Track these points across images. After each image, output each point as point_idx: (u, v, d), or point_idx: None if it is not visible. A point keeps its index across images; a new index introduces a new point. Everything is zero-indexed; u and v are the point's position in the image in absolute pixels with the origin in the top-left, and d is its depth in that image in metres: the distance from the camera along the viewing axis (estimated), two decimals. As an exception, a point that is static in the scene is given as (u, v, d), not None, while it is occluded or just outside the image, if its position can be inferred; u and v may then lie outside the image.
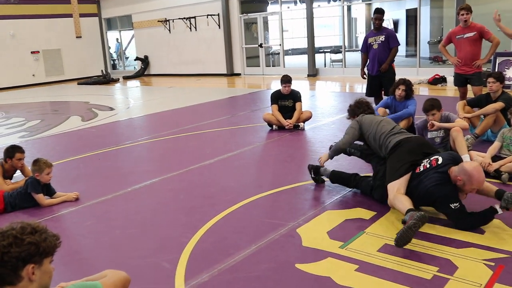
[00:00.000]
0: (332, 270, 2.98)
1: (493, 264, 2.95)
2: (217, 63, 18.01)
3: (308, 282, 2.87)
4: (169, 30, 19.24)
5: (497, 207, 3.39)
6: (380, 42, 7.31)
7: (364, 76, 7.74)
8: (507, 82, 7.10)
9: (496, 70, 9.60)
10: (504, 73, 9.27)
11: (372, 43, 7.40)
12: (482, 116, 5.89)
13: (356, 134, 4.40)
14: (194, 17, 18.15)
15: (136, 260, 3.28)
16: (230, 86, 15.05)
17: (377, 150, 4.18)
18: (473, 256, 3.06)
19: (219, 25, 17.57)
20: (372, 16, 7.47)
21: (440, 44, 7.28)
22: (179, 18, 18.58)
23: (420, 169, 3.68)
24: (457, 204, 3.43)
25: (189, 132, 7.59)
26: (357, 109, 4.74)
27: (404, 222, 3.32)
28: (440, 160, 3.62)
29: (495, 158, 4.66)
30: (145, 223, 3.99)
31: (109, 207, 4.42)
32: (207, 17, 17.66)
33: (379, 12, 7.34)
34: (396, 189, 3.64)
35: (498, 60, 10.05)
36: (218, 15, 17.45)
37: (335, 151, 4.55)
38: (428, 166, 3.64)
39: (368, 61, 7.59)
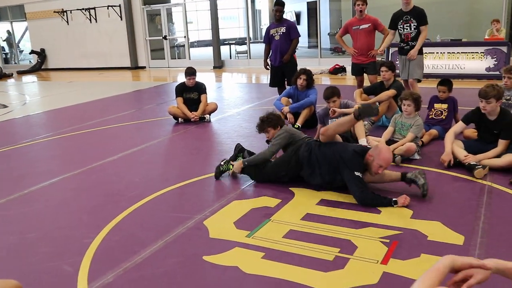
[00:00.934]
0: (239, 259, 3.02)
1: (388, 241, 3.15)
2: (120, 56, 17.42)
3: (216, 273, 2.88)
4: (67, 22, 18.26)
5: (398, 200, 3.70)
6: (281, 33, 7.47)
7: (267, 67, 7.88)
8: (398, 71, 7.61)
9: (389, 59, 10.24)
10: (396, 62, 9.89)
11: (274, 35, 7.54)
12: (377, 103, 6.25)
13: (283, 144, 4.42)
14: (94, 8, 17.38)
15: (35, 266, 3.10)
16: (135, 80, 14.64)
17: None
18: (370, 235, 3.25)
19: (121, 17, 16.98)
20: (273, 8, 7.61)
21: (337, 34, 7.59)
22: (78, 9, 17.70)
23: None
24: (360, 174, 3.76)
25: (92, 128, 7.28)
26: (278, 119, 4.64)
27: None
28: None
29: (389, 142, 4.98)
30: (44, 226, 3.77)
31: (3, 212, 4.12)
32: (108, 8, 16.99)
33: (280, 4, 7.50)
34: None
35: (391, 50, 10.72)
36: (120, 6, 16.85)
37: (256, 160, 4.42)
38: None
39: (270, 52, 7.74)
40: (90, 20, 17.65)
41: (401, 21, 6.60)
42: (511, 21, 14.09)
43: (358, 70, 7.44)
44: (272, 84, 7.83)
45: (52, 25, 18.59)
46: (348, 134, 5.13)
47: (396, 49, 8.65)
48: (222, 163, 4.60)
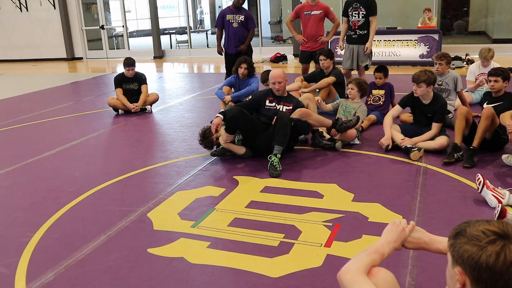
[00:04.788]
0: (184, 250, 3.00)
1: (331, 224, 3.23)
2: (55, 46, 16.67)
3: (161, 265, 2.84)
4: (-5, 11, 17.25)
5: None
6: (240, 21, 7.33)
7: (222, 52, 7.69)
8: (337, 59, 7.73)
9: (329, 47, 10.40)
10: (336, 50, 10.09)
11: (231, 21, 7.35)
12: (317, 90, 6.36)
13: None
14: (24, -4, 16.51)
15: (-34, 268, 2.93)
16: (72, 71, 14.10)
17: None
18: (313, 220, 3.32)
19: (54, 5, 16.23)
20: None
21: (287, 19, 7.38)
22: (6, -3, 16.74)
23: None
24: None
25: (26, 123, 6.94)
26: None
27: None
28: None
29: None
30: (-24, 226, 3.57)
31: None
32: (39, -3, 16.20)
33: None
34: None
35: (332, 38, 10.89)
36: (52, -6, 16.10)
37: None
38: None
39: (223, 37, 7.58)
40: (21, 8, 16.76)
41: (351, 8, 6.55)
42: (441, 10, 14.73)
43: (306, 57, 7.36)
44: (230, 72, 7.55)
45: (-22, 14, 17.52)
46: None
47: (336, 37, 8.76)
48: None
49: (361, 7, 6.47)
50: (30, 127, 6.73)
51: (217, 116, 4.52)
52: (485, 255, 1.21)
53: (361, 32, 6.55)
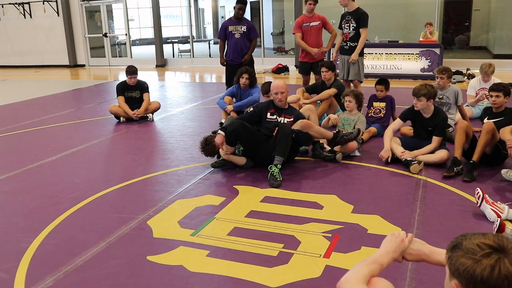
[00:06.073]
0: (184, 258, 3.00)
1: (330, 235, 3.24)
2: (57, 53, 16.76)
3: (160, 272, 2.85)
4: (-1, 17, 17.36)
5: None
6: (242, 32, 7.39)
7: (225, 63, 7.73)
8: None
9: (329, 59, 10.45)
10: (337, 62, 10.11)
11: (233, 32, 7.42)
12: (318, 102, 6.39)
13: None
14: (28, 3, 16.62)
15: (-35, 273, 2.94)
16: (74, 78, 14.15)
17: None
18: (313, 230, 3.32)
19: (57, 13, 16.34)
20: (235, 6, 7.47)
21: (296, 37, 7.34)
22: (10, 3, 16.85)
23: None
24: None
25: (28, 128, 6.97)
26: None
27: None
28: None
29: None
30: (-24, 231, 3.58)
31: None
32: (44, 3, 16.30)
33: (242, 2, 7.37)
34: None
35: (332, 50, 10.95)
36: (56, 1, 16.22)
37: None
38: None
39: (226, 48, 7.63)
40: (24, 15, 16.88)
41: (344, 20, 6.80)
42: (443, 24, 14.84)
43: (306, 69, 7.45)
44: (230, 82, 7.59)
45: (-18, 19, 17.62)
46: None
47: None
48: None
49: (352, 19, 6.73)
50: (31, 133, 6.76)
51: (219, 133, 4.53)
52: (480, 268, 1.22)
53: (351, 44, 6.79)
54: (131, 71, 7.06)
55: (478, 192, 3.48)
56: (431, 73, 10.19)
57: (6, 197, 4.29)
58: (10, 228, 3.60)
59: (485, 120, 4.60)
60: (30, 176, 4.80)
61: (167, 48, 16.81)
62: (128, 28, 16.28)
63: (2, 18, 17.31)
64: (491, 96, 4.60)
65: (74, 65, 16.69)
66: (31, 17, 16.86)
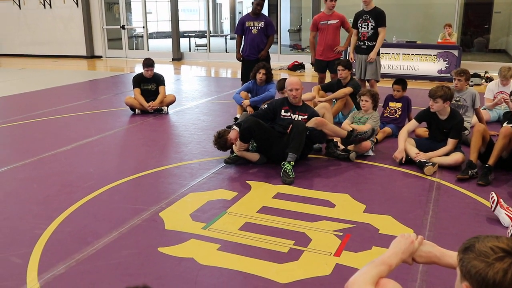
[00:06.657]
0: (194, 251, 3.02)
1: (341, 234, 3.24)
2: (75, 44, 16.90)
3: (171, 264, 2.87)
4: (19, 6, 17.53)
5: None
6: (259, 28, 7.38)
7: (241, 58, 7.73)
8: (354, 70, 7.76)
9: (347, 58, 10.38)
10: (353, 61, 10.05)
11: (250, 27, 7.42)
12: (334, 100, 6.37)
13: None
14: (48, -7, 16.79)
15: (-20, 257, 2.99)
16: (91, 69, 14.26)
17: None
18: (324, 228, 3.32)
19: (76, 3, 16.47)
20: (252, 1, 7.48)
21: (310, 36, 7.39)
22: (31, -7, 17.04)
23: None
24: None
25: (44, 117, 7.05)
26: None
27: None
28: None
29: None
30: (-8, 216, 3.64)
31: None
32: (63, -6, 16.45)
33: None
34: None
35: (348, 49, 10.89)
36: (76, -8, 16.35)
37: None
38: None
39: (243, 44, 7.64)
40: (44, 5, 17.04)
41: (361, 19, 6.74)
42: (462, 26, 14.66)
43: (322, 67, 7.43)
44: (245, 78, 7.60)
45: (3, 8, 17.82)
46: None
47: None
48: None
49: (370, 18, 6.68)
50: (47, 121, 6.84)
51: (233, 129, 4.55)
52: (493, 272, 1.21)
53: (369, 43, 6.76)
54: (148, 63, 7.09)
55: (493, 196, 3.44)
56: (448, 75, 10.06)
57: (21, 184, 4.35)
58: (25, 214, 3.65)
59: (504, 125, 4.55)
60: (45, 165, 4.86)
61: (183, 42, 16.84)
62: (146, 21, 16.35)
63: (22, 7, 17.50)
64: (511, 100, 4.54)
65: (91, 56, 16.82)
66: (50, 7, 17.02)
